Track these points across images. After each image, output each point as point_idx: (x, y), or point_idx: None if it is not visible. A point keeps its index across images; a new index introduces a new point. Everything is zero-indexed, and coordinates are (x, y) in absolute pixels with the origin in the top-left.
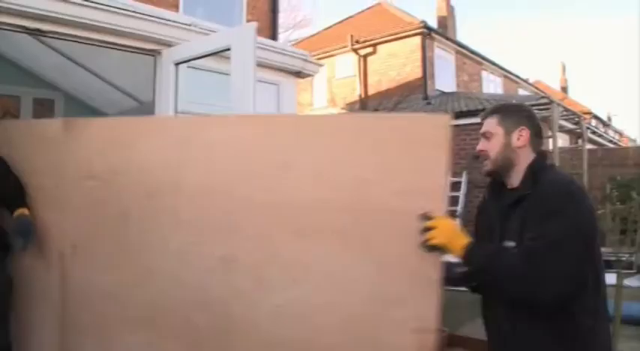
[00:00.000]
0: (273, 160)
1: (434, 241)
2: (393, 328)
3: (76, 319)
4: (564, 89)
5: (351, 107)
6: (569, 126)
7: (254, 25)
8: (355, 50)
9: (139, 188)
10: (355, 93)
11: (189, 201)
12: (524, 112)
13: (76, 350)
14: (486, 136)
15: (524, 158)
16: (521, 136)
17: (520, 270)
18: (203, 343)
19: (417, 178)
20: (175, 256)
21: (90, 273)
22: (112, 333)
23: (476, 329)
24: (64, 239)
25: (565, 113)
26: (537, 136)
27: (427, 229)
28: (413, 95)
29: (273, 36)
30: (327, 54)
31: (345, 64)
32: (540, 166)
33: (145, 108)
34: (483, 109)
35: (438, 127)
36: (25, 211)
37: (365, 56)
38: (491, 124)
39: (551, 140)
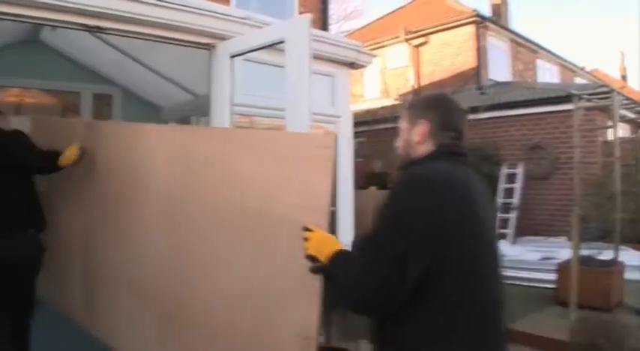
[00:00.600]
0: (199, 166)
1: (307, 252)
2: (283, 329)
3: (94, 283)
4: (624, 78)
5: (404, 98)
6: (630, 115)
7: (308, 16)
8: (407, 40)
9: (127, 183)
10: (408, 84)
11: (149, 199)
12: (430, 103)
13: (92, 303)
14: (398, 132)
15: (421, 155)
16: (420, 131)
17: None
18: (172, 317)
19: (306, 195)
20: (146, 242)
21: (101, 247)
22: (116, 297)
23: (533, 324)
24: (83, 220)
25: (625, 102)
26: (443, 129)
27: (306, 240)
28: (467, 85)
29: (324, 27)
30: (379, 45)
31: (398, 54)
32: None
33: (200, 101)
34: (539, 99)
35: (323, 147)
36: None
37: (417, 46)
38: (402, 120)
39: (610, 131)
